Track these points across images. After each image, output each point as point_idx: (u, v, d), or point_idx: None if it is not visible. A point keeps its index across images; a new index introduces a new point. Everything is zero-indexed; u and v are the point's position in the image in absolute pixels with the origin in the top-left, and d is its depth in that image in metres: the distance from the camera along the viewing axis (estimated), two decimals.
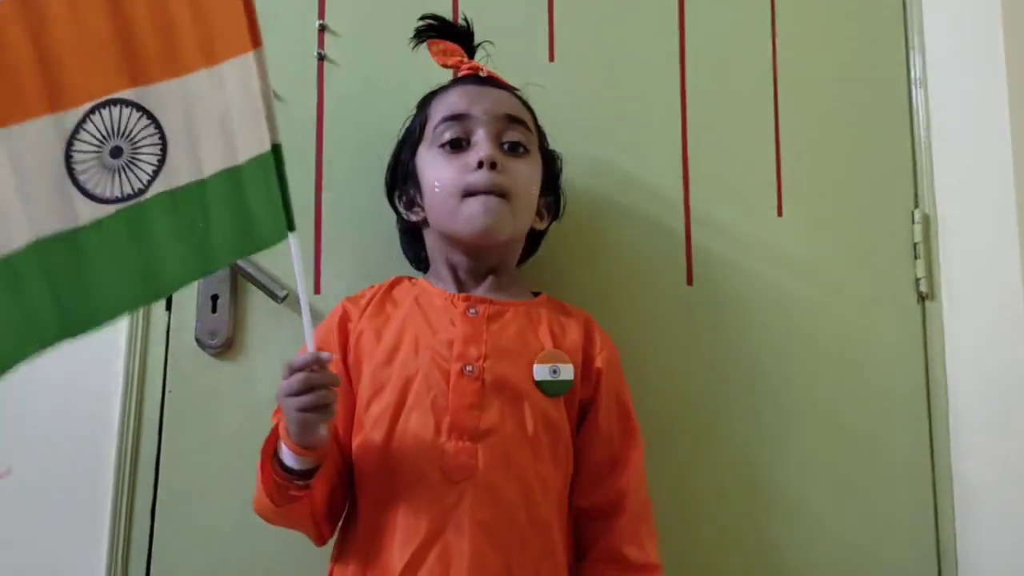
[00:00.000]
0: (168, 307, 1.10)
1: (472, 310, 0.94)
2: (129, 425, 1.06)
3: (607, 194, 1.12)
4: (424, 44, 1.04)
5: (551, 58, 1.20)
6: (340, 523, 0.94)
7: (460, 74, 1.03)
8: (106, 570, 1.04)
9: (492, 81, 1.02)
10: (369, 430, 0.90)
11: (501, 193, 0.93)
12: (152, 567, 1.05)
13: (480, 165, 0.93)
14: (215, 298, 1.09)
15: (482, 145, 0.94)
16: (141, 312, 1.08)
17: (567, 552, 0.92)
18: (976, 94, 1.20)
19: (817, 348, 1.20)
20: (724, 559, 1.14)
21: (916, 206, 1.24)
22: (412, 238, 1.06)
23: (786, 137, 1.23)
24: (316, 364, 0.78)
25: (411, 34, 1.02)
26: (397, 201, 1.04)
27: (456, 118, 0.96)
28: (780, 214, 1.22)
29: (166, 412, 1.08)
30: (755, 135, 1.24)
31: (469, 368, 0.89)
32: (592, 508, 0.94)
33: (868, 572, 1.16)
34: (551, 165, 1.06)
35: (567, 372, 0.93)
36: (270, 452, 0.85)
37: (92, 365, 1.08)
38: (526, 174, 0.97)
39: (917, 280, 1.23)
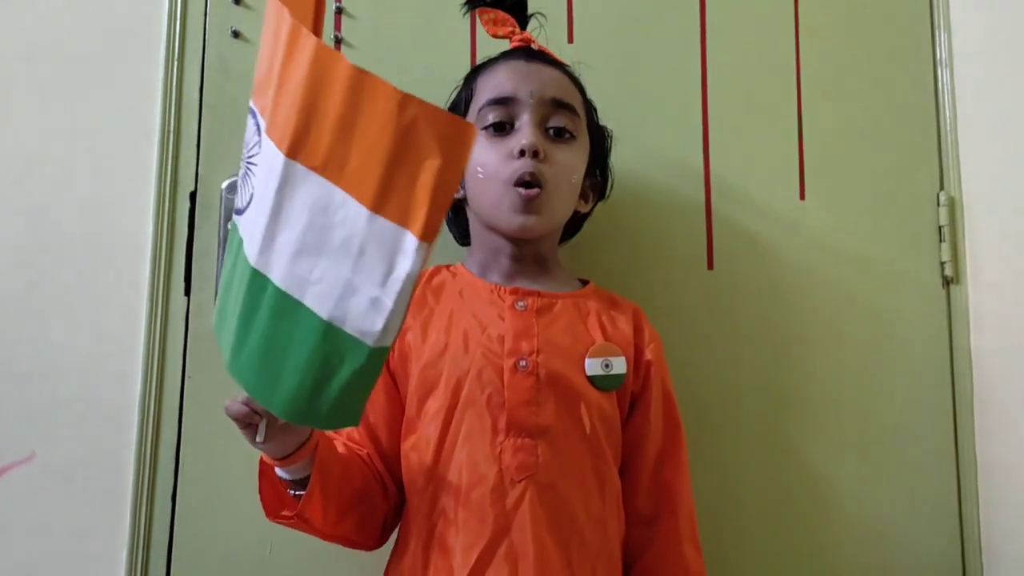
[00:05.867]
0: (187, 293, 1.09)
1: (520, 303, 0.91)
2: (149, 411, 1.06)
3: (627, 178, 1.11)
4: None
5: (570, 39, 1.19)
6: (391, 530, 0.93)
7: (511, 46, 0.99)
8: (127, 556, 1.04)
9: (541, 56, 0.98)
10: (421, 432, 0.88)
11: (540, 184, 0.90)
12: (173, 553, 1.06)
13: (522, 153, 0.90)
14: None
15: (525, 131, 0.91)
16: (159, 298, 1.08)
17: (620, 547, 0.91)
18: (1002, 75, 1.18)
19: (841, 333, 1.19)
20: (748, 544, 1.13)
21: (941, 188, 1.23)
22: (455, 213, 1.04)
23: (809, 119, 1.22)
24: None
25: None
26: None
27: (501, 101, 0.93)
28: (803, 198, 1.21)
29: (186, 398, 1.08)
30: (777, 117, 1.22)
31: (523, 363, 0.87)
32: (644, 507, 0.93)
33: (892, 555, 1.15)
34: (599, 144, 1.03)
35: (619, 366, 0.91)
36: (264, 467, 0.84)
37: (112, 351, 1.08)
38: (569, 162, 0.94)
39: (942, 264, 1.21)
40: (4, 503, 1.05)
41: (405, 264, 0.60)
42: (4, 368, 1.07)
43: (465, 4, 1.01)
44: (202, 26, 1.13)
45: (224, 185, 1.10)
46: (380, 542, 0.94)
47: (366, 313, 0.62)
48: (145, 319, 1.08)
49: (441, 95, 1.03)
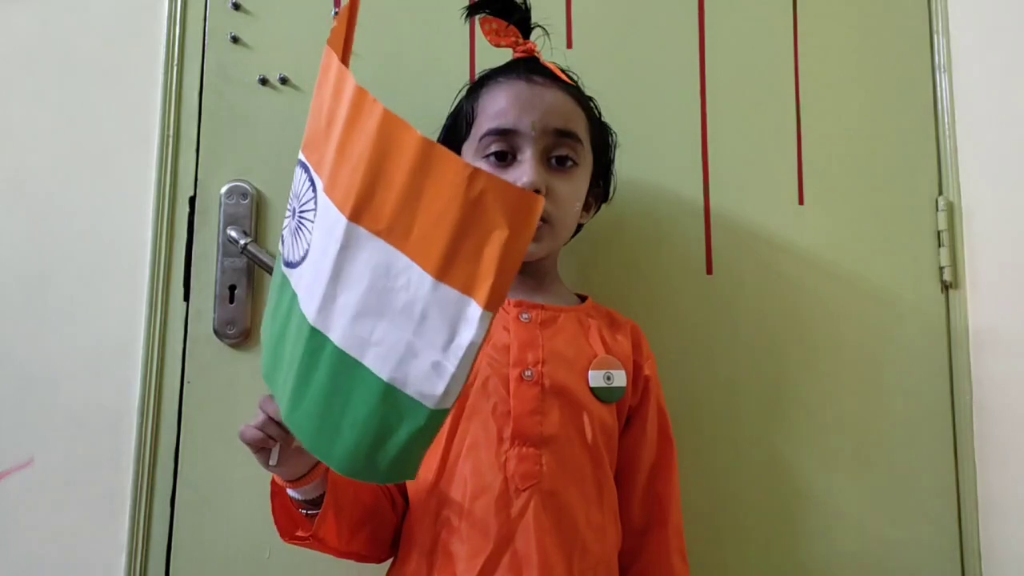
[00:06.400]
0: (186, 297, 1.09)
1: (525, 315, 0.92)
2: (148, 416, 1.06)
3: (626, 183, 1.11)
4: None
5: (569, 46, 1.19)
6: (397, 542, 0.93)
7: (515, 56, 0.98)
8: (126, 560, 1.04)
9: (544, 72, 0.95)
10: None
11: (542, 219, 0.90)
12: (172, 558, 1.06)
13: None
14: (232, 288, 1.09)
15: (526, 168, 0.89)
16: (159, 302, 1.08)
17: (617, 556, 0.92)
18: (1000, 79, 1.18)
19: (839, 338, 1.19)
20: (745, 552, 1.13)
21: (940, 193, 1.23)
22: None
23: (808, 124, 1.22)
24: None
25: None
26: None
27: (503, 133, 0.91)
28: (801, 202, 1.21)
29: (185, 403, 1.08)
30: (776, 122, 1.22)
31: (528, 373, 0.88)
32: (636, 518, 0.94)
33: (891, 566, 1.15)
34: (603, 155, 1.02)
35: (620, 379, 0.92)
36: (276, 488, 0.84)
37: (111, 356, 1.08)
38: (570, 192, 0.94)
39: (941, 269, 1.21)
40: (3, 507, 1.05)
41: (468, 333, 0.60)
42: (4, 372, 1.07)
43: (466, 11, 0.99)
44: (201, 31, 1.13)
45: (223, 190, 1.10)
46: (391, 555, 0.94)
47: (427, 376, 0.62)
48: (144, 323, 1.08)
49: (440, 99, 1.03)
